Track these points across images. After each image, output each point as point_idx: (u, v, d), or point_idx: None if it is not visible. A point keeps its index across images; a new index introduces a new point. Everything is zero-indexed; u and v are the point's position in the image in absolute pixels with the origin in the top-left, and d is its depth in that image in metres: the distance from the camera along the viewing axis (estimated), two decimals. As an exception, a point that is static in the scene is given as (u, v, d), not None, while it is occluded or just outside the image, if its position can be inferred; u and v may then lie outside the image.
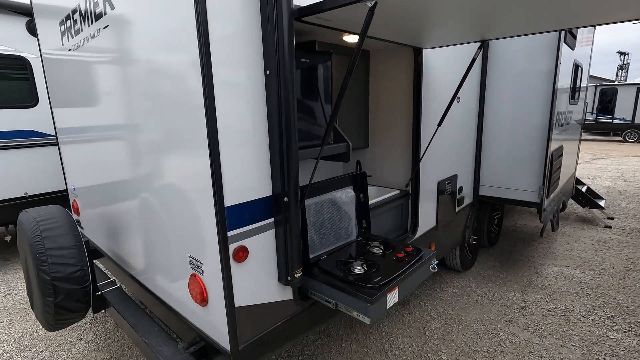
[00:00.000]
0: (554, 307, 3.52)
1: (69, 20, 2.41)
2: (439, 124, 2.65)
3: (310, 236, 2.00)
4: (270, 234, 1.70)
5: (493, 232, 4.85)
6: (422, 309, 3.48)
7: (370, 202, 2.58)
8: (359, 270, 1.87)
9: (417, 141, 2.77)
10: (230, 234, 1.54)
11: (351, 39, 2.41)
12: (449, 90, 2.94)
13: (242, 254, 1.58)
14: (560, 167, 4.05)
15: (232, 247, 1.55)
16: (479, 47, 2.29)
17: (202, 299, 1.68)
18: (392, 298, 1.76)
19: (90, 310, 2.36)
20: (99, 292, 2.57)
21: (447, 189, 3.25)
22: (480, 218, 4.27)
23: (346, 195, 2.22)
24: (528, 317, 3.35)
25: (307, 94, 2.14)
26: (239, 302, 1.62)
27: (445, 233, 3.41)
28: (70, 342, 3.14)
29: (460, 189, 3.55)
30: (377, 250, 2.12)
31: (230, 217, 1.53)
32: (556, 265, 4.38)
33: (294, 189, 1.63)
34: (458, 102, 3.23)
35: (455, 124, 3.25)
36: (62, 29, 2.56)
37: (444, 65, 2.86)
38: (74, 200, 3.28)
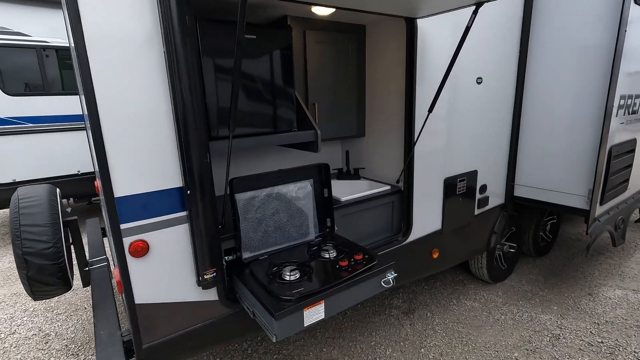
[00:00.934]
0: (600, 341, 2.82)
1: None
2: (430, 110, 2.21)
3: (246, 234, 1.81)
4: (181, 229, 1.56)
5: (544, 240, 4.09)
6: (427, 320, 3.07)
7: (352, 197, 2.29)
8: (288, 276, 1.64)
9: (409, 130, 2.36)
10: (123, 226, 1.44)
11: (322, 11, 2.10)
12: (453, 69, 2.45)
13: (139, 248, 1.47)
14: (629, 166, 3.17)
15: (127, 241, 1.45)
16: (473, 12, 1.81)
17: (119, 291, 1.63)
18: (314, 314, 1.50)
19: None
20: (87, 268, 2.73)
21: (460, 187, 2.76)
22: (522, 223, 3.60)
23: (301, 190, 1.97)
24: (559, 349, 2.73)
25: (260, 74, 1.92)
26: (141, 298, 1.53)
27: (457, 238, 2.92)
28: (85, 308, 3.45)
29: (483, 187, 3.00)
30: (327, 255, 1.84)
31: (123, 209, 1.43)
32: (621, 288, 3.53)
33: (199, 180, 1.45)
34: (479, 83, 2.68)
35: (475, 110, 2.72)
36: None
37: (445, 40, 2.36)
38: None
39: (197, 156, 1.43)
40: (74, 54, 1.37)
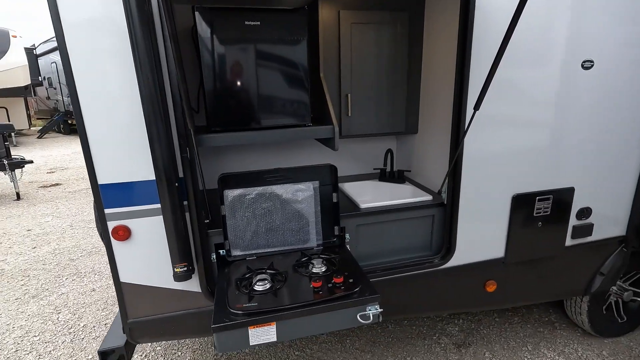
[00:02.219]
0: None
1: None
2: (476, 107, 1.67)
3: (234, 232, 1.75)
4: (161, 220, 1.60)
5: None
6: (480, 363, 2.53)
7: (374, 205, 1.99)
8: (258, 286, 1.52)
9: (457, 130, 1.87)
10: (107, 211, 1.55)
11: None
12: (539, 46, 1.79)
13: (122, 233, 1.57)
14: None
15: (110, 225, 1.57)
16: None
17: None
18: (262, 334, 1.35)
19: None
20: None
21: (539, 208, 2.09)
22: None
23: (300, 192, 1.79)
24: None
25: (267, 63, 1.79)
26: (125, 278, 1.65)
27: (532, 272, 2.25)
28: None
29: (585, 211, 2.21)
30: (311, 269, 1.64)
31: (107, 195, 1.54)
32: None
33: (165, 175, 1.44)
34: (586, 68, 1.92)
35: (576, 106, 1.98)
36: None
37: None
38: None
39: (164, 149, 1.42)
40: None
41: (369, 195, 2.38)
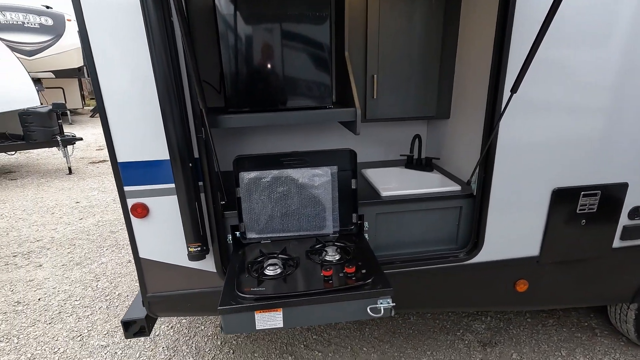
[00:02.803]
0: None
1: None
2: (513, 89, 1.50)
3: (249, 215, 1.74)
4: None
5: None
6: (506, 364, 2.39)
7: (396, 194, 1.90)
8: (269, 270, 1.50)
9: (491, 114, 1.70)
10: (126, 189, 1.59)
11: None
12: (570, 28, 1.56)
13: (140, 210, 1.61)
14: None
15: (129, 202, 1.61)
16: None
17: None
18: (269, 320, 1.34)
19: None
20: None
21: (584, 204, 1.89)
22: None
23: (317, 177, 1.72)
24: None
25: (288, 41, 1.71)
26: (143, 254, 1.70)
27: (571, 274, 2.06)
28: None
29: (638, 210, 1.97)
30: (329, 257, 1.59)
31: (126, 173, 1.57)
32: None
33: (177, 153, 1.44)
34: (652, 45, 1.67)
35: (635, 93, 1.73)
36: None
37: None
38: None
39: (178, 129, 1.41)
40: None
41: (393, 182, 2.27)
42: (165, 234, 1.67)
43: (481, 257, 1.93)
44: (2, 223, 4.68)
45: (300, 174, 1.71)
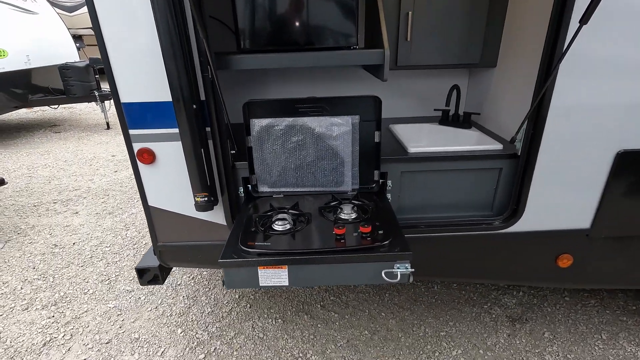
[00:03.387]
0: None
1: None
2: (583, 20, 1.18)
3: (261, 166, 1.60)
4: (184, 146, 1.51)
5: None
6: (538, 341, 2.21)
7: (426, 150, 1.69)
8: (277, 225, 1.38)
9: (549, 58, 1.40)
10: (132, 132, 1.50)
11: None
12: None
13: (146, 156, 1.52)
14: None
15: (135, 146, 1.52)
16: None
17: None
18: (273, 277, 1.23)
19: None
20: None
21: (655, 171, 1.58)
22: None
23: (336, 127, 1.54)
24: None
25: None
26: (152, 202, 1.64)
27: (626, 252, 1.79)
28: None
29: None
30: (344, 215, 1.44)
31: (130, 115, 1.47)
32: None
33: (180, 93, 1.31)
34: None
35: None
36: None
37: None
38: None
39: (179, 67, 1.27)
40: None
41: (424, 139, 2.04)
42: (172, 182, 1.58)
43: (520, 226, 1.71)
44: (45, 172, 4.94)
45: (318, 123, 1.54)
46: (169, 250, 1.74)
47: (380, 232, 1.29)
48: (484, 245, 1.76)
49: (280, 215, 1.41)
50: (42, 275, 2.92)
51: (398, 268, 1.20)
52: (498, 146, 1.71)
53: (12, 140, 6.37)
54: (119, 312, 2.52)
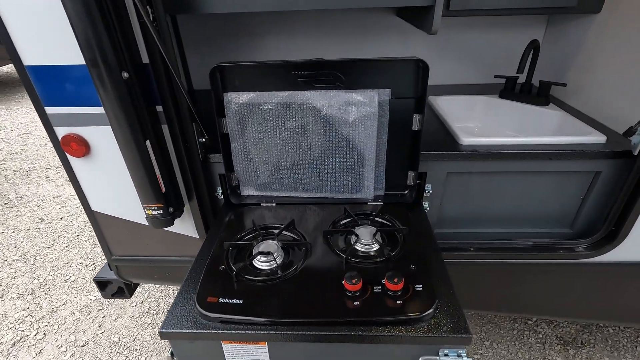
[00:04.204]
0: None
1: None
2: None
3: (246, 161, 1.10)
4: (128, 133, 1.02)
5: None
6: (597, 377, 1.76)
7: (488, 141, 1.14)
8: (260, 263, 0.91)
9: None
10: (49, 111, 1.01)
11: None
12: None
13: (76, 146, 1.04)
14: None
15: (58, 132, 1.04)
16: None
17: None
18: (247, 355, 0.79)
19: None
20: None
21: None
22: None
23: (354, 107, 1.00)
24: None
25: None
26: (96, 206, 1.19)
27: None
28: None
29: None
30: (363, 247, 0.95)
31: (43, 87, 0.97)
32: None
33: (97, 51, 0.79)
34: None
35: None
36: None
37: None
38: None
39: (92, 8, 0.74)
40: None
41: (480, 120, 1.47)
42: (118, 182, 1.11)
43: (617, 254, 1.18)
44: (42, 132, 4.60)
45: (327, 101, 1.00)
46: (128, 265, 1.33)
47: (419, 287, 0.80)
48: (559, 277, 1.25)
49: (264, 245, 0.93)
50: (23, 257, 2.63)
51: (446, 356, 0.73)
52: (599, 137, 1.13)
53: (14, 95, 6.03)
54: (100, 306, 2.20)
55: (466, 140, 1.14)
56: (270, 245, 0.94)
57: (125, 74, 0.82)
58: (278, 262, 0.90)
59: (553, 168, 1.14)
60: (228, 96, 1.01)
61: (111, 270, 1.36)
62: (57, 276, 2.44)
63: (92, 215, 1.20)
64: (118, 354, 1.94)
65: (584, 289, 1.28)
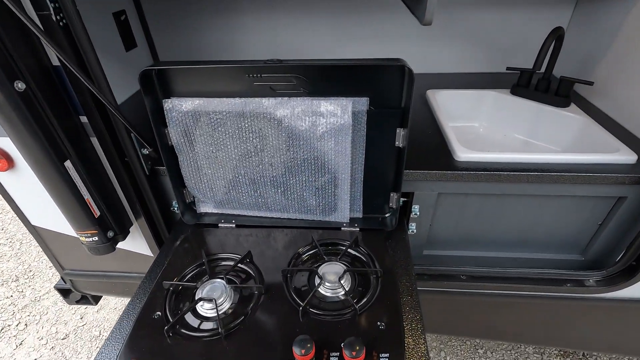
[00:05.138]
0: None
1: None
2: None
3: (197, 176, 0.94)
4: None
5: None
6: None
7: (506, 158, 0.94)
8: (205, 310, 0.77)
9: None
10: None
11: None
12: None
13: (-4, 158, 0.89)
14: None
15: (-27, 141, 0.88)
16: None
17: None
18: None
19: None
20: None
21: None
22: None
23: (323, 119, 0.81)
24: None
25: None
26: (36, 221, 1.05)
27: None
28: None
29: None
30: (328, 290, 0.79)
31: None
32: None
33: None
34: None
35: None
36: None
37: None
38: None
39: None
40: None
41: (486, 120, 1.26)
42: (49, 196, 0.96)
43: (635, 291, 1.00)
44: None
45: (288, 109, 0.81)
46: (81, 280, 1.21)
47: (384, 357, 0.65)
48: (566, 312, 1.09)
49: (209, 287, 0.78)
50: (9, 240, 2.58)
51: None
52: (627, 157, 0.92)
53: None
54: (84, 296, 2.14)
55: (463, 155, 0.95)
56: (217, 287, 0.79)
57: (19, 85, 0.65)
58: (222, 312, 0.75)
59: (568, 192, 0.94)
60: (169, 103, 0.82)
61: (66, 283, 1.25)
62: (41, 262, 2.39)
63: (34, 230, 1.07)
64: (97, 348, 1.90)
65: (595, 324, 1.12)
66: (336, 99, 0.81)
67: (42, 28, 0.66)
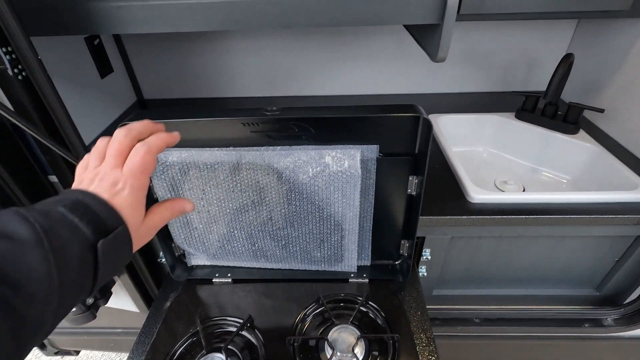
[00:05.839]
0: None
1: None
2: None
3: (187, 230, 0.84)
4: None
5: None
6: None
7: (521, 199, 0.88)
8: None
9: None
10: None
11: None
12: None
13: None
14: None
15: None
16: None
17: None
18: None
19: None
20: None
21: None
22: None
23: (325, 168, 0.73)
24: None
25: None
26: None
27: None
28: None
29: None
30: (328, 350, 0.72)
31: None
32: None
33: None
34: None
35: None
36: None
37: None
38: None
39: None
40: None
41: (490, 146, 1.20)
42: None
43: (653, 331, 0.96)
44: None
45: (290, 160, 0.72)
46: (59, 338, 1.09)
47: None
48: (584, 352, 1.05)
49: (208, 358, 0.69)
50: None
51: None
52: (644, 194, 0.87)
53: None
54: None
55: (477, 197, 0.88)
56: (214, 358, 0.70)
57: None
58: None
59: (587, 233, 0.89)
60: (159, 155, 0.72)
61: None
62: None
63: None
64: None
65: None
66: (343, 147, 0.72)
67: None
